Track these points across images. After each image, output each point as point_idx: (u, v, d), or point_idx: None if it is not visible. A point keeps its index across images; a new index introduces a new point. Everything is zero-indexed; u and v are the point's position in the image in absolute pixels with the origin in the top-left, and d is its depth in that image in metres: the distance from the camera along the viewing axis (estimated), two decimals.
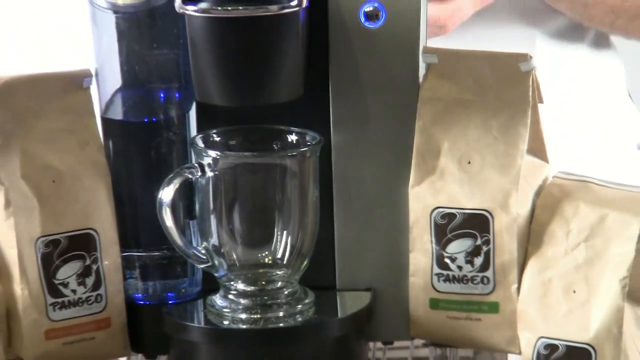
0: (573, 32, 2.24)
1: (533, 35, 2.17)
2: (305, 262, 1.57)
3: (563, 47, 2.22)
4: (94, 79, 1.60)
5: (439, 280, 1.56)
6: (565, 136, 2.19)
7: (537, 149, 1.57)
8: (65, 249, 1.56)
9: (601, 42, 2.27)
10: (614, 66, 2.28)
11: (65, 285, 1.57)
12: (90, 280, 1.57)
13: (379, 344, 1.62)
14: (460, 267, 1.55)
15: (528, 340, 1.51)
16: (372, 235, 1.61)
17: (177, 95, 1.60)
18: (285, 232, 1.56)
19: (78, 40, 2.63)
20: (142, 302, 1.62)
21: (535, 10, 2.19)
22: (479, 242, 1.54)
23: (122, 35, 1.58)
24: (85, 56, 1.69)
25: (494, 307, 1.55)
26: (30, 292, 1.55)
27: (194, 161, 1.56)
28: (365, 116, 1.60)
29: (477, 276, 1.55)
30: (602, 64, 2.27)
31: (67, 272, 1.56)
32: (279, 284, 1.57)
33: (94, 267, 1.58)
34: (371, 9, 1.56)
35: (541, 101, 1.56)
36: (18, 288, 1.55)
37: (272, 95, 1.57)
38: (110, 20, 1.58)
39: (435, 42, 1.79)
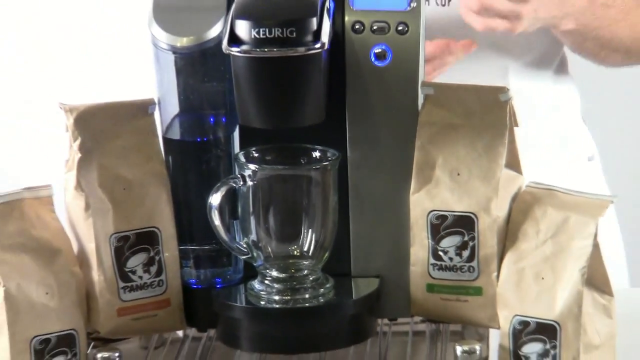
0: (539, 64, 2.22)
1: (506, 67, 2.16)
2: (326, 254, 1.63)
3: (531, 77, 2.21)
4: (156, 106, 1.67)
5: (434, 269, 1.63)
6: (533, 150, 2.07)
7: (513, 164, 1.63)
8: (133, 243, 1.63)
9: (561, 71, 2.26)
10: (570, 91, 2.27)
11: (134, 272, 1.63)
12: (153, 269, 1.64)
13: (386, 320, 1.68)
14: (451, 259, 1.62)
15: (505, 318, 1.57)
16: (380, 232, 1.66)
17: (223, 119, 1.66)
18: (310, 230, 1.62)
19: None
20: (195, 287, 1.67)
21: (510, 45, 2.15)
22: (466, 238, 1.61)
23: (180, 71, 1.64)
24: (145, 87, 1.72)
25: (478, 291, 1.62)
26: (105, 278, 1.62)
27: (237, 173, 1.62)
28: (375, 136, 1.65)
29: (465, 266, 1.62)
30: (562, 91, 2.26)
31: (135, 262, 1.63)
32: (305, 271, 1.63)
33: (157, 258, 1.64)
34: (380, 50, 1.62)
35: (516, 125, 1.62)
36: (95, 275, 1.61)
37: (299, 119, 1.62)
38: (170, 59, 1.63)
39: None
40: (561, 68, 2.25)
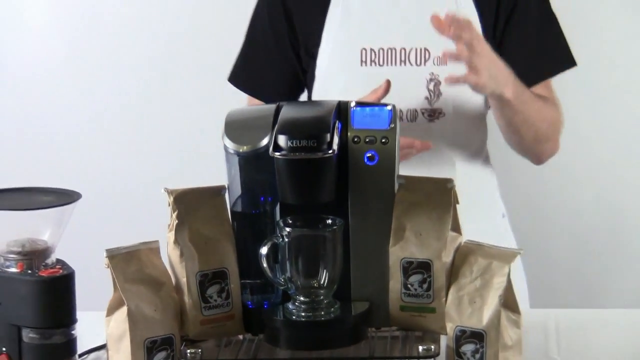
0: (474, 156, 2.17)
1: (453, 159, 2.12)
2: (335, 286, 1.69)
3: (469, 164, 2.16)
4: (227, 190, 1.72)
5: (404, 296, 1.69)
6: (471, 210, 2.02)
7: (456, 228, 1.68)
8: (211, 278, 1.69)
9: (486, 160, 2.21)
10: (491, 173, 2.23)
11: (211, 297, 1.69)
12: (224, 295, 1.70)
13: (373, 328, 1.72)
14: (415, 289, 1.68)
15: (450, 327, 1.64)
16: (370, 272, 1.72)
17: (270, 198, 1.71)
18: (325, 270, 1.68)
19: None
20: (250, 306, 1.73)
21: (455, 145, 2.12)
22: (425, 276, 1.67)
23: (242, 167, 1.70)
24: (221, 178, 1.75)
25: (433, 310, 1.68)
26: (192, 301, 1.68)
27: (278, 233, 1.68)
28: (367, 210, 1.71)
29: (424, 294, 1.68)
30: (486, 172, 2.22)
31: (212, 290, 1.70)
32: (321, 297, 1.69)
33: (226, 288, 1.70)
34: (370, 155, 1.68)
35: (457, 202, 1.68)
36: (186, 299, 1.68)
37: (317, 198, 1.68)
38: (235, 159, 1.70)
39: None
40: (486, 158, 2.21)
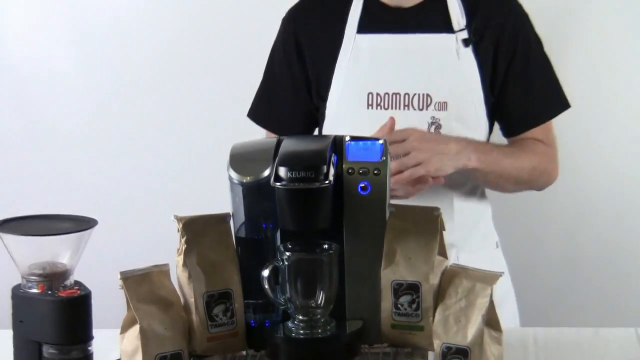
0: (470, 192, 2.17)
1: (452, 196, 2.12)
2: (331, 306, 1.69)
3: (466, 199, 2.16)
4: (231, 217, 1.72)
5: (395, 315, 1.69)
6: (468, 240, 2.15)
7: (442, 252, 1.69)
8: (216, 299, 1.69)
9: (482, 195, 2.21)
10: (486, 206, 2.22)
11: (217, 316, 1.70)
12: (229, 314, 1.70)
13: (366, 345, 1.72)
14: (405, 309, 1.68)
15: (437, 344, 1.65)
16: (363, 292, 1.71)
17: (271, 225, 1.71)
18: (321, 292, 1.68)
19: None
20: (253, 324, 1.72)
21: (454, 184, 2.10)
22: (414, 297, 1.67)
23: (245, 196, 1.70)
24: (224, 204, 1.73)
25: (421, 328, 1.68)
26: (200, 319, 1.69)
27: (278, 257, 1.68)
28: (361, 236, 1.71)
29: (413, 313, 1.68)
30: (482, 204, 2.21)
31: (218, 310, 1.70)
32: (319, 316, 1.69)
33: (231, 307, 1.70)
34: (363, 185, 1.68)
35: (444, 229, 1.69)
36: (194, 317, 1.68)
37: (314, 225, 1.67)
38: (239, 189, 1.69)
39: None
40: (482, 193, 2.21)
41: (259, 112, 2.22)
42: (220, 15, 2.67)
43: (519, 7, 2.12)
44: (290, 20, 2.16)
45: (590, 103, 2.61)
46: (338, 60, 2.11)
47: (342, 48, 2.10)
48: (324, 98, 2.13)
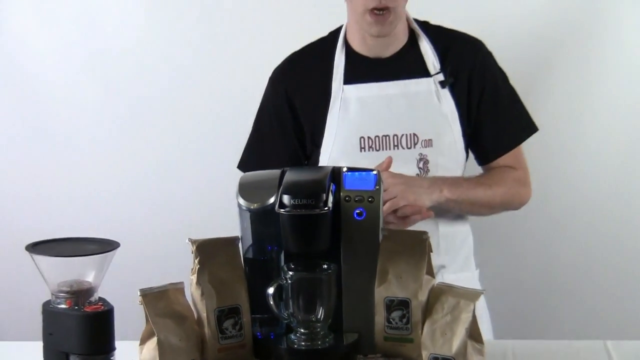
0: (454, 220, 2.16)
1: (437, 223, 2.11)
2: (329, 320, 1.70)
3: (451, 227, 2.16)
4: (240, 240, 1.73)
5: (387, 328, 1.70)
6: (451, 265, 2.16)
7: (430, 272, 1.70)
8: (226, 314, 1.70)
9: (465, 221, 2.21)
10: (467, 232, 2.23)
11: (227, 329, 1.70)
12: (237, 327, 1.70)
13: (362, 355, 1.71)
14: (397, 323, 1.69)
15: (425, 355, 1.65)
16: (359, 308, 1.71)
17: (275, 247, 1.71)
18: (321, 307, 1.68)
19: None
20: (259, 337, 1.73)
21: (440, 210, 2.07)
22: (405, 312, 1.68)
23: (252, 221, 1.70)
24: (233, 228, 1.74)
25: (411, 340, 1.69)
26: (211, 332, 1.69)
27: (282, 276, 1.68)
28: (356, 257, 1.71)
29: (404, 327, 1.69)
30: (465, 233, 2.22)
31: (228, 324, 1.70)
32: (318, 329, 1.69)
33: (239, 321, 1.71)
34: (359, 211, 1.69)
35: (431, 251, 1.70)
36: (206, 330, 1.69)
37: (314, 247, 1.68)
38: (247, 215, 1.70)
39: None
40: (465, 220, 2.21)
41: (247, 164, 2.20)
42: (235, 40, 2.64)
43: (485, 48, 2.16)
44: (279, 79, 2.16)
45: (560, 127, 2.56)
46: (329, 110, 2.12)
47: (331, 99, 2.12)
48: (318, 145, 2.14)
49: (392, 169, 1.99)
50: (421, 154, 2.10)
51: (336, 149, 2.11)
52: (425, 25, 2.15)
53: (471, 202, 2.10)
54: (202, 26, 2.63)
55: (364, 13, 2.03)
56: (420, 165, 2.10)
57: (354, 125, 2.10)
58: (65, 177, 2.73)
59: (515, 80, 2.20)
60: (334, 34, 2.16)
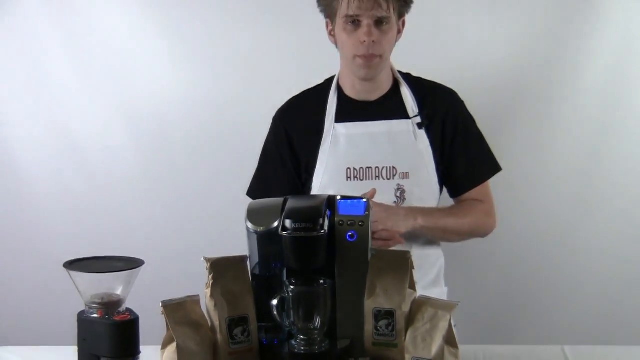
0: (427, 243, 2.16)
1: (412, 246, 2.11)
2: (325, 328, 1.71)
3: (424, 250, 2.16)
4: (248, 259, 1.74)
5: (375, 335, 1.71)
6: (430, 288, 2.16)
7: (412, 286, 1.72)
8: (236, 322, 1.71)
9: (438, 245, 2.21)
10: (439, 254, 2.23)
11: (236, 335, 1.71)
12: (246, 334, 1.72)
13: (353, 359, 1.71)
14: (384, 330, 1.70)
15: (408, 358, 1.67)
16: (351, 317, 1.72)
17: (279, 264, 1.73)
18: (318, 317, 1.70)
19: None
20: (265, 343, 1.75)
21: (412, 235, 2.08)
22: (390, 321, 1.69)
23: (259, 242, 1.72)
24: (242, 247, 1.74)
25: (396, 345, 1.70)
26: (223, 338, 1.71)
27: (285, 290, 1.70)
28: (349, 273, 1.72)
29: (390, 334, 1.70)
30: (436, 254, 2.21)
31: (237, 331, 1.71)
32: (316, 336, 1.71)
33: (247, 329, 1.72)
34: (351, 234, 1.71)
35: (413, 268, 1.72)
36: (219, 336, 1.71)
37: (312, 264, 1.70)
38: (254, 236, 1.72)
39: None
40: (437, 244, 2.20)
41: (255, 192, 2.22)
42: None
43: (457, 97, 2.20)
44: (280, 118, 2.20)
45: (522, 162, 2.56)
46: (322, 145, 2.15)
47: (324, 135, 2.15)
48: (311, 174, 2.17)
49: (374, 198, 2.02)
50: (399, 184, 2.13)
51: (326, 178, 2.14)
52: (407, 76, 2.20)
53: (442, 229, 2.14)
54: (221, 66, 2.63)
55: (353, 58, 2.08)
56: (398, 194, 2.13)
57: (342, 158, 2.14)
58: (99, 204, 2.72)
59: (483, 124, 2.22)
60: (329, 81, 2.21)
